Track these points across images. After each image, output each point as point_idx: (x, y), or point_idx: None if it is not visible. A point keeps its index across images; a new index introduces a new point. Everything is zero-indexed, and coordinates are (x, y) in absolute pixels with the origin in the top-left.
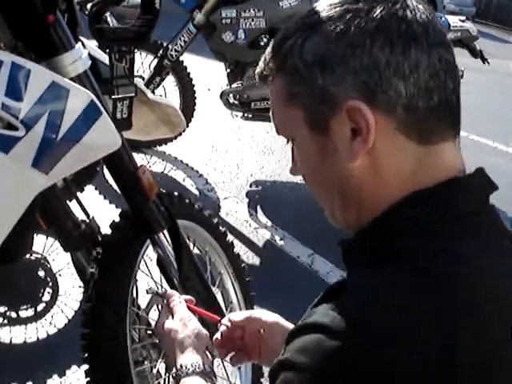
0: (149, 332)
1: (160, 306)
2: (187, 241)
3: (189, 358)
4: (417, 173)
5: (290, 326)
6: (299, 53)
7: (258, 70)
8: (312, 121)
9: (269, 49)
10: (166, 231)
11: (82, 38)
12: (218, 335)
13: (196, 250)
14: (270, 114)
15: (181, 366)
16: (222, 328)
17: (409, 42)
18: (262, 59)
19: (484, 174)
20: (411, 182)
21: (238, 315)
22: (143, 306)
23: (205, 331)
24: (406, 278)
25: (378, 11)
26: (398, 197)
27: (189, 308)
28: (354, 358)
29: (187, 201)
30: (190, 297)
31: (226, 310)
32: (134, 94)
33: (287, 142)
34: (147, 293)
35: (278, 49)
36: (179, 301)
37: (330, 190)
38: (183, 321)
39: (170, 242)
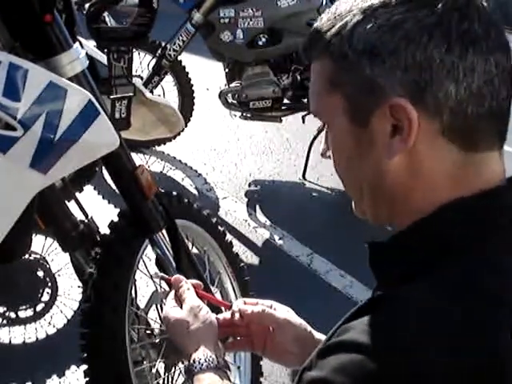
0: (148, 332)
1: (159, 306)
2: (186, 240)
3: (202, 352)
4: (457, 180)
5: (302, 323)
6: (349, 38)
7: (302, 43)
8: (353, 111)
9: (318, 24)
10: (164, 231)
11: (79, 38)
12: (220, 317)
13: (195, 250)
14: (310, 91)
15: (194, 361)
16: (227, 315)
17: (467, 43)
18: (309, 36)
19: None
20: (451, 190)
21: (250, 307)
22: (142, 305)
23: (215, 321)
24: (446, 297)
25: (440, 4)
26: (436, 203)
27: (197, 294)
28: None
29: (186, 200)
30: (197, 281)
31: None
32: (132, 94)
33: (323, 125)
34: (152, 278)
35: (326, 29)
36: (187, 287)
37: (360, 182)
38: (193, 311)
39: (168, 241)
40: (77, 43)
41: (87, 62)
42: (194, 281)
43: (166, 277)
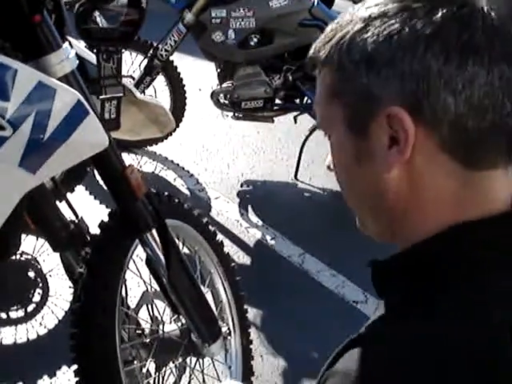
0: (138, 332)
1: (150, 306)
2: (176, 240)
3: None
4: (460, 200)
5: None
6: (347, 49)
7: (308, 55)
8: (351, 121)
9: (321, 36)
10: (154, 231)
11: (69, 38)
12: None
13: (186, 250)
14: (314, 104)
15: None
16: None
17: (468, 53)
18: (313, 46)
19: None
20: (454, 210)
21: None
22: (133, 305)
23: None
24: (451, 332)
25: (440, 14)
26: (439, 223)
27: None
28: None
29: (176, 200)
30: None
31: (216, 309)
32: (122, 94)
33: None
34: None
35: (328, 39)
36: None
37: (361, 196)
38: None
39: (158, 241)
40: (66, 43)
41: (77, 62)
42: None
43: None
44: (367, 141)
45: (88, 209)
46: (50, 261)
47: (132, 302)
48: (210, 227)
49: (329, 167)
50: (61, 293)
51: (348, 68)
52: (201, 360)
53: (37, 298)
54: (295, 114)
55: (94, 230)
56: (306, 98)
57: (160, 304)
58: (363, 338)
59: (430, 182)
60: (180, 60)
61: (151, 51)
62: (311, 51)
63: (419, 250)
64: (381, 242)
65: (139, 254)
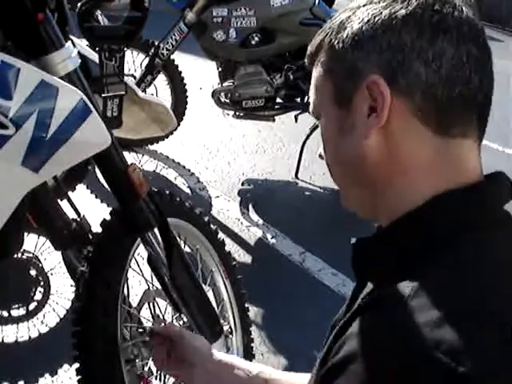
0: (140, 330)
1: (152, 305)
2: (178, 239)
3: None
4: (437, 167)
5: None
6: (337, 31)
7: (308, 49)
8: (338, 96)
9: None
10: (156, 229)
11: (71, 37)
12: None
13: (187, 249)
14: (310, 93)
15: None
16: None
17: (438, 31)
18: (313, 40)
19: (507, 180)
20: (432, 177)
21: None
22: (135, 304)
23: None
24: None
25: (415, 2)
26: (419, 192)
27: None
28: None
29: (178, 199)
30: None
31: (218, 307)
32: (123, 93)
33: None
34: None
35: (324, 28)
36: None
37: (345, 168)
38: None
39: (160, 240)
40: (69, 42)
41: (79, 60)
42: None
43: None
44: (350, 112)
45: (90, 207)
46: (52, 259)
47: (134, 300)
48: (212, 226)
49: (320, 155)
50: (62, 291)
51: (337, 47)
52: None
53: (38, 296)
54: (296, 113)
55: (96, 228)
56: (306, 97)
57: (162, 302)
58: (369, 304)
59: (405, 148)
60: (181, 59)
61: (152, 50)
62: (309, 46)
63: (404, 222)
64: (363, 218)
65: (141, 252)
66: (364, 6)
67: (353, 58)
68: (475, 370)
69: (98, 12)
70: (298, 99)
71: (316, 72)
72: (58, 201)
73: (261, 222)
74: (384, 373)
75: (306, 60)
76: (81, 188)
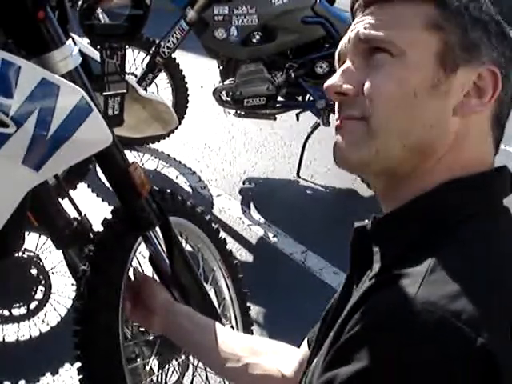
0: (142, 329)
1: None
2: (179, 238)
3: None
4: (482, 161)
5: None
6: (468, 2)
7: None
8: (445, 56)
9: None
10: (158, 228)
11: (72, 35)
12: None
13: (188, 247)
14: (377, 21)
15: None
16: None
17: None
18: None
19: (510, 174)
20: (464, 169)
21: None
22: None
23: None
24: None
25: None
26: (443, 179)
27: None
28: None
29: (179, 198)
30: None
31: (219, 306)
32: (125, 91)
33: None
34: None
35: None
36: None
37: (405, 123)
38: None
39: (162, 238)
40: (70, 40)
41: (80, 58)
42: None
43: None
44: (450, 80)
45: (91, 206)
46: (53, 258)
47: None
48: (213, 225)
49: (340, 92)
50: (63, 290)
51: (466, 20)
52: None
53: (39, 295)
54: (297, 111)
55: (98, 227)
56: (308, 96)
57: None
58: (386, 281)
59: (470, 144)
60: (182, 57)
61: (153, 48)
62: None
63: (424, 199)
64: (357, 172)
65: (142, 251)
66: None
67: (480, 40)
68: (492, 343)
69: (99, 10)
70: (300, 98)
71: (411, 13)
72: (59, 199)
73: (262, 220)
74: (407, 343)
75: None
76: (82, 187)
